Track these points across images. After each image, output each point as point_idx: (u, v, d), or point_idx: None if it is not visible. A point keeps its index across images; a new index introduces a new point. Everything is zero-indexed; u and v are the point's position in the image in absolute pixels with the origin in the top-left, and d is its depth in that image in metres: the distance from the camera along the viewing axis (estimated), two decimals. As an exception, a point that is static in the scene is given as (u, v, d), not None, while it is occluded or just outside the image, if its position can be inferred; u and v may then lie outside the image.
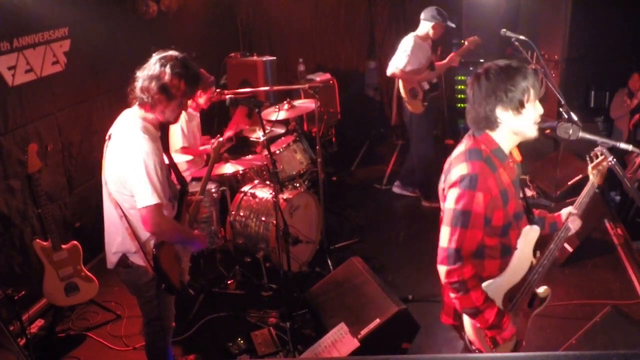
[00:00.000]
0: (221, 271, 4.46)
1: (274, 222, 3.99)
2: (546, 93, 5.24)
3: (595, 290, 4.10)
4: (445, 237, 2.13)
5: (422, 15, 5.24)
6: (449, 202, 2.13)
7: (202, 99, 4.32)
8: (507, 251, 2.22)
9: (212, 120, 6.07)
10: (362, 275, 3.75)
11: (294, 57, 7.07)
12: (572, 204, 2.40)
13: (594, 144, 2.22)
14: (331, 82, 6.55)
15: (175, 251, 2.86)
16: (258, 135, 4.72)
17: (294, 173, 4.76)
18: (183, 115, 4.10)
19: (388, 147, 7.12)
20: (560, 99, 3.38)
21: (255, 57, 6.38)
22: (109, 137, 2.72)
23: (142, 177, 2.53)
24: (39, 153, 3.68)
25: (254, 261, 4.34)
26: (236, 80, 6.26)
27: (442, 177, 2.26)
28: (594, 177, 2.35)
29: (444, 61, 5.47)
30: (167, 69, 2.58)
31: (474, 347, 2.28)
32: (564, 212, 2.43)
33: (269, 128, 4.56)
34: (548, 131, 2.17)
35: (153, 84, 2.58)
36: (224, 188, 4.43)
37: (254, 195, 4.41)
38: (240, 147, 5.20)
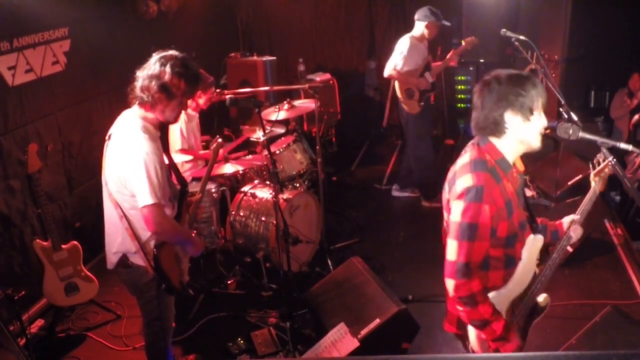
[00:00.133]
0: (221, 271, 4.46)
1: (274, 222, 3.99)
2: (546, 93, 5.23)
3: (595, 290, 4.10)
4: (453, 251, 2.10)
5: (416, 16, 5.24)
6: (455, 215, 2.11)
7: (201, 100, 4.32)
8: (511, 262, 2.21)
9: (212, 120, 6.07)
10: (362, 275, 3.74)
11: (294, 57, 7.07)
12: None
13: (594, 144, 2.21)
14: (331, 82, 6.55)
15: (175, 252, 2.87)
16: (258, 135, 4.73)
17: (294, 173, 4.76)
18: (182, 116, 4.10)
19: (388, 147, 7.12)
20: (560, 99, 3.37)
21: (255, 57, 6.37)
22: (109, 137, 2.72)
23: (143, 177, 2.53)
24: (39, 153, 3.68)
25: (254, 261, 4.34)
26: (236, 80, 6.26)
27: (446, 187, 2.23)
28: (596, 184, 2.33)
29: (441, 62, 5.47)
30: (167, 68, 2.58)
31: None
32: (566, 220, 2.42)
33: (269, 128, 4.55)
34: (548, 131, 2.17)
35: (153, 83, 2.58)
36: (224, 188, 4.43)
37: (254, 195, 4.41)
38: (240, 147, 5.18)
